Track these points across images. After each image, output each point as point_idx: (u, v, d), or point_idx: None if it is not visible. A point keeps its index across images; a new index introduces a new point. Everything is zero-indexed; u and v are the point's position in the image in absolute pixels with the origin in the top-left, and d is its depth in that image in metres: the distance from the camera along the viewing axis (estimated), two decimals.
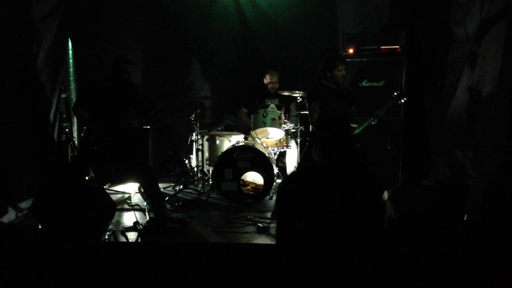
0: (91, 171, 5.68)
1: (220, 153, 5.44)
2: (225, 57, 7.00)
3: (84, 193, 4.20)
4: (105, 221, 4.04)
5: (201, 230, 4.29)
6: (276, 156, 5.81)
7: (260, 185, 5.25)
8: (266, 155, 5.23)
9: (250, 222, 4.46)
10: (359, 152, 4.72)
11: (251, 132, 5.66)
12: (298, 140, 5.63)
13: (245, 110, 6.41)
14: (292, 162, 5.94)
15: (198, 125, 5.76)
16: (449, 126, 5.19)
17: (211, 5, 6.84)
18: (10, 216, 4.50)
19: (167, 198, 5.32)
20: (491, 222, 3.97)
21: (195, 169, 5.97)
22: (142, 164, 4.87)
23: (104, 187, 5.80)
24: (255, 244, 3.89)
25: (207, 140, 5.93)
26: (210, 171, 5.78)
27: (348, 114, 4.91)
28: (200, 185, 5.72)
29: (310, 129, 5.40)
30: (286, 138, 5.72)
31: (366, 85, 5.84)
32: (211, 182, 5.59)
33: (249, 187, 5.30)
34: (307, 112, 5.03)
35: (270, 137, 5.75)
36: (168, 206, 4.93)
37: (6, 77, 4.69)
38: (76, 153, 5.81)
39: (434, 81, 5.57)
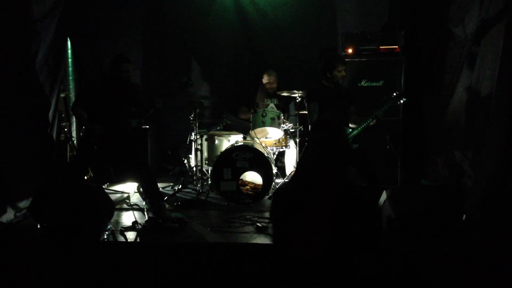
0: (90, 170, 5.68)
1: (219, 153, 5.43)
2: (224, 57, 7.01)
3: (83, 192, 4.19)
4: (104, 220, 4.04)
5: (200, 230, 4.29)
6: (275, 156, 5.81)
7: (259, 185, 5.25)
8: (265, 155, 5.23)
9: (249, 222, 4.46)
10: (358, 152, 4.73)
11: (250, 132, 5.66)
12: (297, 140, 5.63)
13: (245, 110, 6.41)
14: (291, 162, 5.95)
15: (197, 125, 5.75)
16: (448, 126, 5.20)
17: (210, 4, 6.84)
18: (9, 215, 4.50)
19: (166, 197, 5.32)
20: (489, 222, 3.98)
21: (194, 168, 5.97)
22: (141, 164, 4.86)
23: (103, 186, 5.79)
24: (254, 243, 3.89)
25: (206, 139, 5.93)
26: (209, 171, 5.78)
27: (347, 115, 4.93)
28: (199, 185, 5.72)
29: (309, 129, 5.41)
30: (285, 138, 5.72)
31: (365, 85, 5.85)
32: (210, 182, 5.59)
33: (248, 187, 5.30)
34: (306, 112, 5.04)
35: (269, 137, 5.75)
36: (167, 205, 4.93)
37: (5, 76, 4.69)
38: (75, 153, 5.81)
39: (433, 81, 5.58)
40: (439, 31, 5.40)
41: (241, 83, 6.93)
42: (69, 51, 6.38)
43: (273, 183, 5.22)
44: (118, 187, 5.87)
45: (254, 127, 5.54)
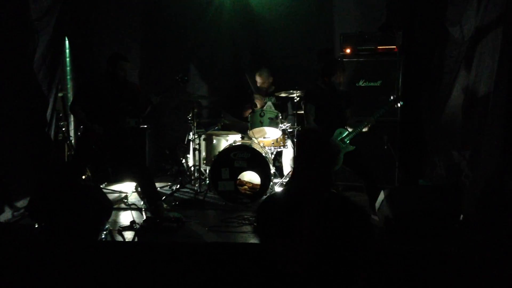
0: (88, 170, 5.67)
1: (217, 153, 5.44)
2: (222, 56, 7.02)
3: (81, 192, 4.20)
4: (102, 220, 4.04)
5: (197, 230, 4.29)
6: (273, 156, 5.81)
7: (257, 184, 5.25)
8: (263, 154, 5.23)
9: (246, 222, 4.46)
10: (355, 154, 4.75)
11: (248, 132, 5.66)
12: (295, 140, 5.63)
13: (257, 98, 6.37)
14: (288, 161, 5.95)
15: (195, 125, 5.75)
16: (445, 126, 5.21)
17: (209, 4, 6.85)
18: (7, 215, 4.49)
19: (164, 197, 5.32)
20: (487, 222, 3.99)
21: (192, 168, 5.97)
22: (139, 164, 4.86)
23: (101, 186, 5.80)
24: (251, 243, 3.89)
25: (204, 139, 5.92)
26: (207, 171, 5.78)
27: (344, 116, 4.97)
28: (197, 185, 5.72)
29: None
30: (283, 137, 5.72)
31: (363, 85, 5.85)
32: (208, 182, 5.59)
33: (246, 187, 5.31)
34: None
35: (267, 137, 5.76)
36: (165, 205, 4.93)
37: (3, 76, 4.68)
38: (73, 152, 5.81)
39: (431, 81, 5.59)
40: (436, 31, 5.41)
41: (240, 83, 6.92)
42: (67, 51, 6.36)
43: (271, 182, 5.22)
44: (116, 187, 5.87)
45: (252, 127, 5.54)
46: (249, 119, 5.62)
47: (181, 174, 6.27)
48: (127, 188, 5.69)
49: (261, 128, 5.56)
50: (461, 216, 4.14)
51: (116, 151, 4.72)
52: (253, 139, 5.55)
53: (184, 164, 6.38)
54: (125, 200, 5.29)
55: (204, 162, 5.89)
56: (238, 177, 5.20)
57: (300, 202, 2.30)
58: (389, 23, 6.08)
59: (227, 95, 7.01)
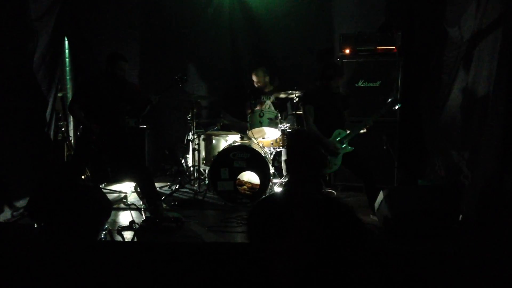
0: (87, 170, 5.67)
1: (216, 153, 5.44)
2: (222, 56, 7.02)
3: (80, 192, 4.20)
4: (101, 220, 4.04)
5: (197, 230, 4.30)
6: (272, 156, 5.81)
7: (256, 184, 5.26)
8: (263, 155, 5.24)
9: (246, 222, 4.46)
10: (354, 155, 4.77)
11: (247, 132, 5.66)
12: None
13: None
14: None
15: (194, 125, 5.76)
16: (444, 127, 5.21)
17: (207, 4, 6.85)
18: (6, 215, 4.50)
19: (163, 197, 5.32)
20: (486, 222, 3.99)
21: (192, 168, 5.97)
22: (139, 163, 4.86)
23: (100, 186, 5.80)
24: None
25: (203, 139, 5.93)
26: (206, 171, 5.79)
27: (342, 118, 4.99)
28: (196, 185, 5.72)
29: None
30: (283, 138, 5.73)
31: (362, 85, 5.86)
32: (207, 182, 5.60)
33: (245, 187, 5.31)
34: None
35: (266, 137, 5.76)
36: (164, 205, 4.92)
37: (2, 76, 4.68)
38: (72, 152, 5.81)
39: (430, 81, 5.59)
40: (436, 32, 5.41)
41: (240, 83, 6.93)
42: (67, 51, 6.37)
43: (270, 183, 5.23)
44: (115, 187, 5.87)
45: (252, 127, 5.55)
46: (248, 119, 5.63)
47: (181, 174, 6.27)
48: (127, 188, 5.69)
49: (261, 128, 5.57)
50: (460, 216, 4.15)
51: (115, 151, 4.72)
52: (253, 139, 5.55)
53: (184, 164, 6.39)
54: (125, 200, 5.30)
55: (204, 162, 5.89)
56: (238, 177, 5.20)
57: (290, 205, 2.27)
58: (389, 24, 6.09)
59: (226, 95, 7.02)
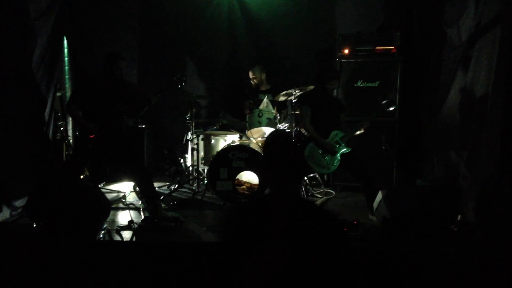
0: (86, 169, 5.67)
1: (215, 153, 5.44)
2: (221, 56, 7.01)
3: (79, 192, 4.20)
4: (100, 220, 4.04)
5: (196, 229, 4.30)
6: None
7: (255, 184, 5.26)
8: (262, 154, 5.24)
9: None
10: (351, 155, 4.77)
11: (246, 132, 5.66)
12: (293, 140, 5.63)
13: (251, 102, 6.36)
14: None
15: (193, 125, 5.76)
16: (443, 127, 5.22)
17: (207, 4, 6.85)
18: (5, 214, 4.50)
19: (162, 197, 5.33)
20: (485, 222, 4.00)
21: (190, 168, 5.97)
22: (137, 163, 4.86)
23: (99, 186, 5.80)
24: None
25: (202, 139, 5.93)
26: (205, 171, 5.79)
27: (339, 120, 5.01)
28: (195, 185, 5.72)
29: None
30: None
31: (361, 85, 5.86)
32: (206, 182, 5.60)
33: (244, 187, 5.31)
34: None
35: (265, 137, 5.76)
36: (163, 205, 4.93)
37: (2, 75, 4.68)
38: (71, 152, 5.80)
39: (429, 81, 5.60)
40: (434, 32, 5.42)
41: (237, 81, 6.93)
42: (66, 50, 6.36)
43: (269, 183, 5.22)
44: (114, 186, 5.87)
45: (251, 127, 5.55)
46: (247, 119, 5.63)
47: (179, 174, 6.27)
48: (125, 188, 5.69)
49: (260, 128, 5.57)
50: (459, 216, 4.15)
51: (114, 150, 4.72)
52: (252, 139, 5.56)
53: (183, 164, 6.38)
54: (123, 200, 5.29)
55: (202, 162, 5.89)
56: (236, 177, 5.20)
57: (267, 209, 2.21)
58: (388, 24, 6.10)
59: (225, 95, 7.02)
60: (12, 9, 4.77)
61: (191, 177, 5.94)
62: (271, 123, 5.49)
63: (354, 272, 2.21)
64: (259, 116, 5.48)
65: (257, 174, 5.16)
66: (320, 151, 4.76)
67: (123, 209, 4.98)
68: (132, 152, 4.90)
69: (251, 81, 6.38)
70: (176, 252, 3.69)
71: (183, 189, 5.83)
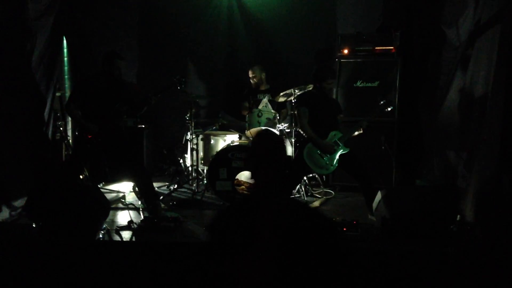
0: (85, 170, 5.67)
1: (214, 153, 5.44)
2: (221, 56, 7.01)
3: (79, 192, 4.20)
4: (99, 220, 4.04)
5: (195, 229, 4.29)
6: None
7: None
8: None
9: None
10: (350, 156, 4.78)
11: (246, 132, 5.66)
12: (293, 140, 5.63)
13: (247, 104, 6.37)
14: None
15: (193, 125, 5.76)
16: (442, 127, 5.23)
17: (206, 4, 6.85)
18: (4, 214, 4.49)
19: (161, 197, 5.32)
20: (484, 222, 4.00)
21: (190, 168, 5.97)
22: (137, 163, 4.86)
23: (99, 186, 5.80)
24: None
25: (201, 139, 5.93)
26: (205, 171, 5.79)
27: (337, 121, 5.01)
28: (194, 185, 5.72)
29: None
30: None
31: (360, 85, 5.87)
32: (205, 182, 5.60)
33: (243, 187, 5.31)
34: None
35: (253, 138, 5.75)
36: (162, 205, 4.93)
37: (1, 75, 4.68)
38: (70, 152, 5.80)
39: (428, 82, 5.61)
40: (434, 32, 5.43)
41: (237, 81, 6.93)
42: (65, 50, 6.37)
43: None
44: (113, 187, 5.86)
45: (250, 127, 5.54)
46: (247, 119, 5.63)
47: (179, 174, 6.27)
48: (125, 188, 5.69)
49: (259, 128, 5.56)
50: (458, 216, 4.15)
51: (113, 150, 4.71)
52: (251, 139, 5.55)
53: (182, 164, 6.38)
54: (123, 200, 5.29)
55: (202, 162, 5.89)
56: (236, 177, 5.20)
57: (255, 209, 2.16)
58: (387, 24, 6.10)
59: (225, 95, 7.02)
60: (12, 9, 4.77)
61: (190, 177, 5.94)
62: (270, 123, 5.49)
63: (348, 272, 2.18)
64: (259, 116, 5.48)
65: None
66: (319, 152, 4.76)
67: (122, 209, 4.99)
68: (132, 152, 4.90)
69: (251, 80, 6.38)
70: (176, 252, 3.69)
71: (183, 189, 5.84)
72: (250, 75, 6.37)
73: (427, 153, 5.62)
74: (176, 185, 5.86)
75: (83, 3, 6.53)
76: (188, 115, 5.82)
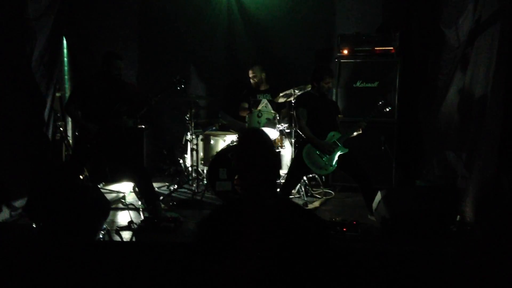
0: (85, 170, 5.67)
1: (214, 153, 5.45)
2: (220, 57, 7.01)
3: (79, 192, 4.20)
4: (99, 220, 4.04)
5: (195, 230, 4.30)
6: None
7: None
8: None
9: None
10: (349, 156, 4.78)
11: None
12: (293, 141, 5.64)
13: (245, 105, 6.37)
14: (285, 162, 5.95)
15: (192, 125, 5.76)
16: (442, 127, 5.23)
17: (206, 5, 6.85)
18: (4, 215, 4.49)
19: (161, 197, 5.33)
20: (483, 223, 4.00)
21: (190, 168, 5.97)
22: (137, 164, 4.86)
23: (99, 186, 5.80)
24: None
25: (201, 139, 5.93)
26: (205, 171, 5.79)
27: (336, 121, 5.04)
28: (194, 185, 5.72)
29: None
30: (281, 138, 5.73)
31: (360, 86, 5.87)
32: (205, 182, 5.60)
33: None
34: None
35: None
36: (162, 205, 4.93)
37: (1, 75, 4.68)
38: (70, 152, 5.80)
39: (428, 82, 5.61)
40: (433, 33, 5.43)
41: (236, 82, 6.93)
42: (65, 51, 6.37)
43: None
44: (113, 187, 5.86)
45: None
46: (246, 120, 5.63)
47: (179, 174, 6.27)
48: (125, 188, 5.69)
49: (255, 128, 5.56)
50: (458, 216, 4.16)
51: (113, 151, 4.72)
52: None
53: (182, 164, 6.39)
54: (123, 200, 5.30)
55: (202, 162, 5.89)
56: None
57: (242, 211, 2.10)
58: (387, 25, 6.11)
59: (225, 95, 7.02)
60: (11, 9, 4.77)
61: (190, 178, 5.94)
62: (270, 123, 5.49)
63: (338, 272, 2.15)
64: (259, 117, 5.48)
65: None
66: (318, 152, 4.77)
67: (122, 209, 4.99)
68: (131, 152, 4.90)
69: (251, 80, 6.39)
70: (176, 252, 3.69)
71: (183, 190, 5.84)
72: (250, 75, 6.37)
73: (427, 153, 5.62)
74: (176, 186, 5.86)
75: (83, 3, 6.53)
76: (188, 115, 5.83)
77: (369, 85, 5.85)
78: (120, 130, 4.80)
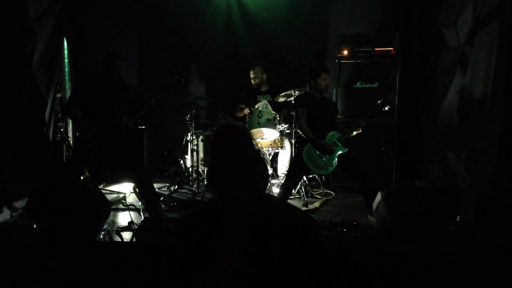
0: (86, 171, 5.67)
1: None
2: (220, 57, 7.02)
3: (79, 192, 4.20)
4: (100, 220, 4.04)
5: None
6: (270, 157, 5.82)
7: None
8: (261, 155, 5.23)
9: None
10: (348, 156, 4.79)
11: None
12: (293, 141, 5.64)
13: (242, 106, 6.38)
14: (284, 162, 5.95)
15: (193, 125, 5.77)
16: (442, 127, 5.23)
17: (206, 5, 6.86)
18: (5, 215, 4.50)
19: (162, 198, 5.33)
20: (483, 223, 4.00)
21: (190, 169, 5.98)
22: (137, 164, 4.87)
23: (99, 187, 5.80)
24: None
25: (202, 140, 5.94)
26: (205, 172, 5.79)
27: (335, 121, 5.04)
28: (195, 186, 5.73)
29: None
30: (281, 138, 5.74)
31: (360, 86, 5.88)
32: (206, 182, 5.60)
33: None
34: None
35: (265, 138, 5.75)
36: (163, 206, 4.93)
37: (2, 76, 4.69)
38: (71, 153, 5.81)
39: (428, 82, 5.61)
40: (433, 33, 5.44)
41: (236, 82, 6.94)
42: (66, 51, 6.37)
43: (269, 184, 5.23)
44: (114, 187, 5.87)
45: (250, 128, 5.54)
46: (247, 120, 5.63)
47: (179, 175, 6.27)
48: (125, 189, 5.69)
49: (259, 129, 5.56)
50: (458, 216, 4.16)
51: (113, 151, 4.72)
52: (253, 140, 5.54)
53: (182, 165, 6.39)
54: (123, 201, 5.30)
55: (202, 163, 5.90)
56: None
57: (221, 215, 1.95)
58: (386, 25, 6.11)
59: (225, 96, 7.03)
60: (12, 9, 4.78)
61: (191, 178, 5.95)
62: (270, 123, 5.49)
63: (338, 272, 2.10)
64: (259, 117, 5.48)
65: None
66: (318, 152, 4.78)
67: (123, 210, 4.99)
68: (132, 153, 4.90)
69: (252, 81, 6.40)
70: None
71: (183, 190, 5.84)
72: (252, 76, 6.38)
73: (427, 153, 5.63)
74: (176, 186, 5.87)
75: (84, 4, 6.54)
76: (188, 116, 5.83)
77: (369, 85, 5.85)
78: (120, 131, 4.81)
